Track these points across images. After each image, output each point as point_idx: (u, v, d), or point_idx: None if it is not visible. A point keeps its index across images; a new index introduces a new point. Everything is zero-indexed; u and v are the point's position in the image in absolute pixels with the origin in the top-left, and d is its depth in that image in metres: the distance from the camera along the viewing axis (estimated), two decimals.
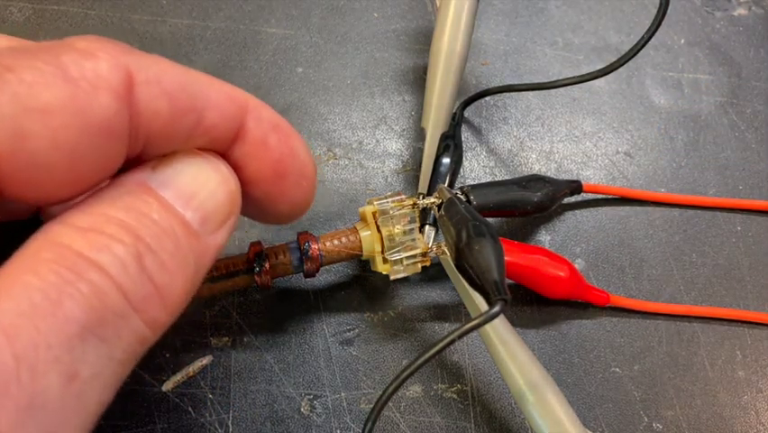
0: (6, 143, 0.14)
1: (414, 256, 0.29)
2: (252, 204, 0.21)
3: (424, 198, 0.29)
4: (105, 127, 0.15)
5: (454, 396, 0.30)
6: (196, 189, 0.18)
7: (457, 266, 0.25)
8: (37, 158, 0.14)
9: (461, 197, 0.30)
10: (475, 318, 0.21)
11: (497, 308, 0.21)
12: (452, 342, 0.21)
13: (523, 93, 0.39)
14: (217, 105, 0.18)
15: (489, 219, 0.27)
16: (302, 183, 0.22)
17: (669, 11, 0.32)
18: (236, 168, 0.20)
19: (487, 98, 0.38)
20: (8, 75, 0.14)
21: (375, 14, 0.41)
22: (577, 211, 0.36)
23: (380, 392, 0.22)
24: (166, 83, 0.17)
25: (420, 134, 0.36)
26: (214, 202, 0.18)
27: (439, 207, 0.28)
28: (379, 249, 0.28)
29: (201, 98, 0.18)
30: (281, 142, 0.20)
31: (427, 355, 0.21)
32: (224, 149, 0.19)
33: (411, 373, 0.22)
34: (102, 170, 0.16)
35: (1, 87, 0.14)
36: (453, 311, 0.32)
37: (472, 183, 0.32)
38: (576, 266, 0.32)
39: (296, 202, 0.22)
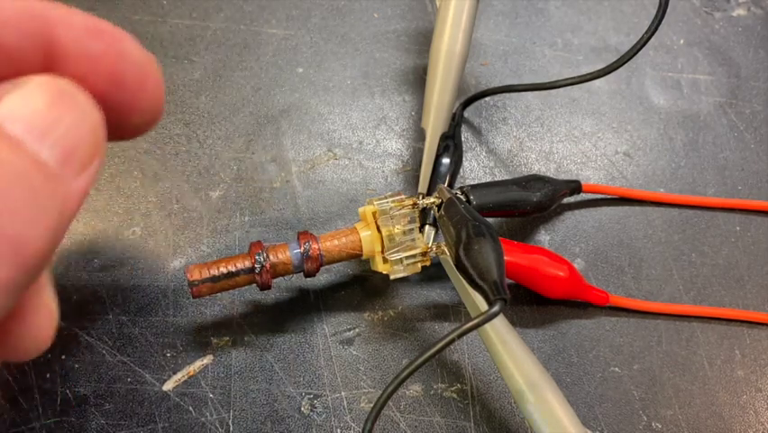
0: None
1: (414, 256, 0.29)
2: None
3: (424, 198, 0.29)
4: None
5: (454, 395, 0.30)
6: (51, 125, 0.15)
7: (457, 266, 0.25)
8: None
9: (461, 197, 0.30)
10: (475, 318, 0.21)
11: (496, 308, 0.21)
12: (452, 341, 0.21)
13: (523, 93, 0.39)
14: (6, 23, 0.15)
15: (489, 219, 0.27)
16: (146, 85, 0.19)
17: (668, 11, 0.32)
18: None
19: (487, 98, 0.38)
20: None
21: (375, 15, 0.41)
22: (576, 211, 0.36)
23: (380, 392, 0.23)
24: None
25: (420, 134, 0.36)
26: (74, 140, 0.15)
27: (439, 207, 0.28)
28: (379, 249, 0.28)
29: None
30: (107, 46, 0.17)
31: (427, 355, 0.22)
32: (37, 71, 0.16)
33: (411, 373, 0.22)
34: None
35: None
36: (453, 311, 0.32)
37: (472, 183, 0.32)
38: (575, 266, 0.32)
39: (145, 108, 0.19)
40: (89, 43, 0.17)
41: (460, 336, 0.21)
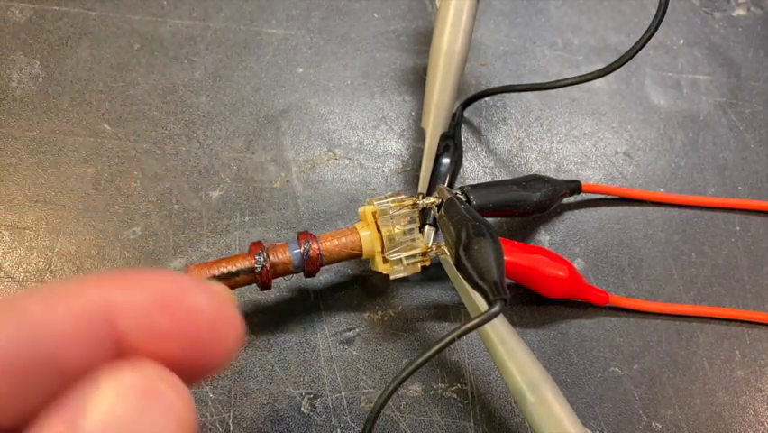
0: None
1: (414, 256, 0.29)
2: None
3: (424, 198, 0.29)
4: None
5: (454, 395, 0.30)
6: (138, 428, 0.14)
7: (457, 266, 0.25)
8: None
9: (461, 197, 0.30)
10: (475, 318, 0.21)
11: (496, 308, 0.21)
12: (452, 341, 0.21)
13: (523, 93, 0.39)
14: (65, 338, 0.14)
15: (489, 219, 0.27)
16: (223, 335, 0.18)
17: (668, 11, 0.32)
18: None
19: (486, 98, 0.38)
20: None
21: (375, 15, 0.41)
22: (576, 211, 0.36)
23: (381, 392, 0.23)
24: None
25: (420, 134, 0.36)
26: None
27: (439, 207, 0.28)
28: (380, 249, 0.28)
29: (50, 354, 0.14)
30: (174, 320, 0.16)
31: (427, 355, 0.22)
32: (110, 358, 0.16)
33: (411, 373, 0.22)
34: None
35: None
36: (453, 311, 0.32)
37: (472, 183, 0.32)
38: (575, 266, 0.32)
39: (225, 353, 0.18)
40: (156, 322, 0.16)
41: (460, 335, 0.21)
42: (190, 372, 0.17)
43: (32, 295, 0.14)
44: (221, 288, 0.18)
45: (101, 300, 0.15)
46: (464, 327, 0.21)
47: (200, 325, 0.17)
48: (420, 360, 0.22)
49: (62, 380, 0.14)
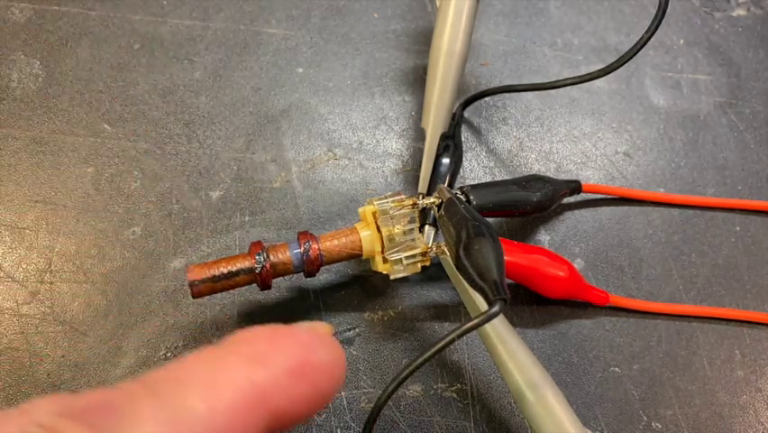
0: None
1: (414, 256, 0.29)
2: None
3: (424, 198, 0.29)
4: None
5: (454, 395, 0.30)
6: None
7: (457, 266, 0.25)
8: None
9: (461, 197, 0.30)
10: (475, 318, 0.21)
11: (496, 308, 0.21)
12: (452, 341, 0.21)
13: (523, 93, 0.39)
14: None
15: (489, 219, 0.27)
16: (339, 375, 0.19)
17: (668, 11, 0.32)
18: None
19: (487, 98, 0.38)
20: None
21: (375, 15, 0.41)
22: (576, 211, 0.36)
23: (381, 391, 0.23)
24: None
25: (420, 134, 0.36)
26: None
27: (439, 207, 0.28)
28: (380, 249, 0.28)
29: None
30: (310, 385, 0.17)
31: (427, 355, 0.21)
32: None
33: (411, 373, 0.22)
34: None
35: None
36: (453, 311, 0.32)
37: (472, 183, 0.32)
38: (575, 266, 0.32)
39: (335, 390, 0.19)
40: (294, 389, 0.17)
41: (460, 335, 0.21)
42: (305, 413, 0.18)
43: (188, 389, 0.15)
44: (325, 328, 0.20)
45: (249, 385, 0.16)
46: (464, 327, 0.21)
47: (323, 377, 0.18)
48: (420, 360, 0.22)
49: None
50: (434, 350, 0.21)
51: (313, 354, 0.17)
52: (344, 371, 0.19)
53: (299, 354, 0.17)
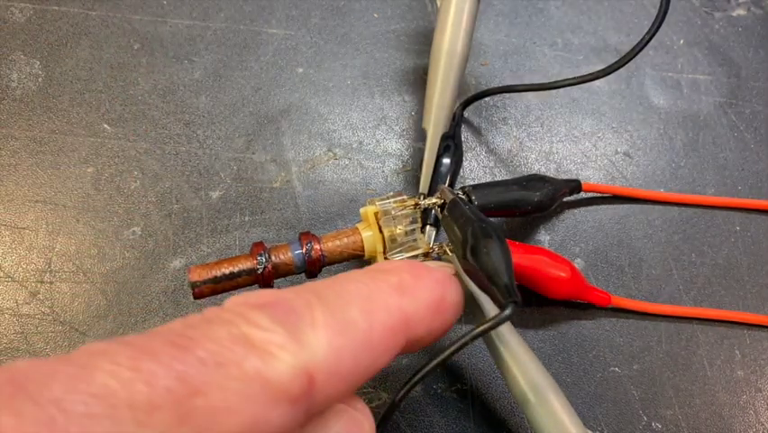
0: None
1: (416, 257, 0.29)
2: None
3: (425, 198, 0.29)
4: None
5: (454, 396, 0.30)
6: None
7: (464, 268, 0.25)
8: None
9: (463, 197, 0.30)
10: (487, 321, 0.21)
11: (508, 311, 0.21)
12: (465, 345, 0.21)
13: (523, 93, 0.39)
14: (383, 351, 0.17)
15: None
16: (454, 313, 0.21)
17: (668, 11, 0.32)
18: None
19: (487, 98, 0.38)
20: (197, 400, 0.13)
21: (375, 15, 0.41)
22: (576, 211, 0.36)
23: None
24: (343, 370, 0.16)
25: (420, 135, 0.36)
26: None
27: (441, 207, 0.28)
28: (381, 249, 0.28)
29: (372, 358, 0.17)
30: (443, 319, 0.20)
31: (440, 359, 0.21)
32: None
33: (423, 377, 0.21)
34: None
35: (185, 416, 0.13)
36: None
37: (472, 183, 0.32)
38: (576, 266, 0.32)
39: (448, 328, 0.21)
40: (432, 323, 0.19)
41: (473, 339, 0.21)
42: (431, 341, 0.20)
43: (349, 304, 0.17)
44: (452, 268, 0.22)
45: (398, 311, 0.18)
46: (477, 331, 0.21)
47: (452, 312, 0.20)
48: (434, 363, 0.21)
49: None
50: (448, 352, 0.21)
51: (447, 292, 0.20)
52: (463, 308, 0.22)
53: (438, 292, 0.20)
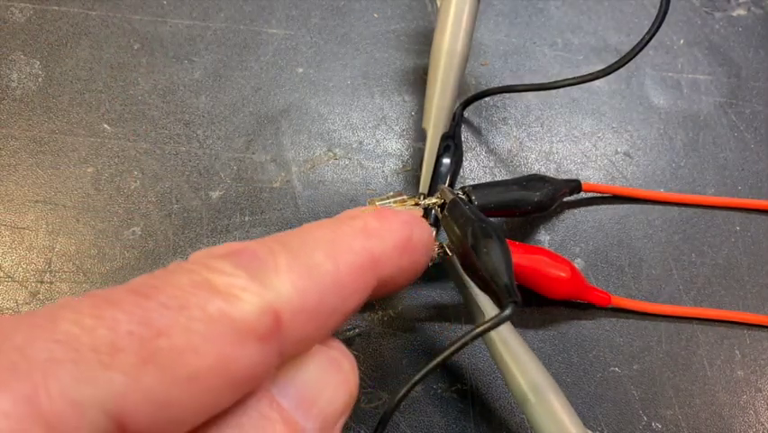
0: (147, 415, 0.13)
1: None
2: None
3: (425, 198, 0.29)
4: (249, 376, 0.15)
5: (454, 396, 0.30)
6: (317, 395, 0.17)
7: (464, 268, 0.25)
8: (175, 420, 0.14)
9: (463, 197, 0.30)
10: (487, 321, 0.21)
11: (508, 311, 0.21)
12: (465, 345, 0.21)
13: (523, 93, 0.39)
14: (353, 291, 0.17)
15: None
16: (424, 263, 0.21)
17: (668, 11, 0.32)
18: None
19: (487, 98, 0.38)
20: (160, 342, 0.13)
21: (375, 15, 0.41)
22: (576, 211, 0.36)
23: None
24: (310, 308, 0.16)
25: (420, 135, 0.36)
26: (334, 407, 0.17)
27: (441, 207, 0.28)
28: None
29: (341, 298, 0.17)
30: (412, 260, 0.20)
31: (440, 358, 0.21)
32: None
33: (423, 377, 0.22)
34: (234, 401, 0.15)
35: (149, 357, 0.13)
36: (453, 311, 0.32)
37: (472, 183, 0.32)
38: (576, 266, 0.32)
39: (413, 277, 0.22)
40: (400, 262, 0.20)
41: (473, 338, 0.21)
42: (404, 282, 0.21)
43: (314, 249, 0.17)
44: (420, 211, 0.23)
45: (365, 252, 0.18)
46: (477, 331, 0.21)
47: (421, 252, 0.21)
48: (433, 363, 0.21)
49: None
50: (448, 353, 0.21)
51: (414, 231, 0.20)
52: (433, 248, 0.22)
53: (406, 231, 0.20)
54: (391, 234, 0.19)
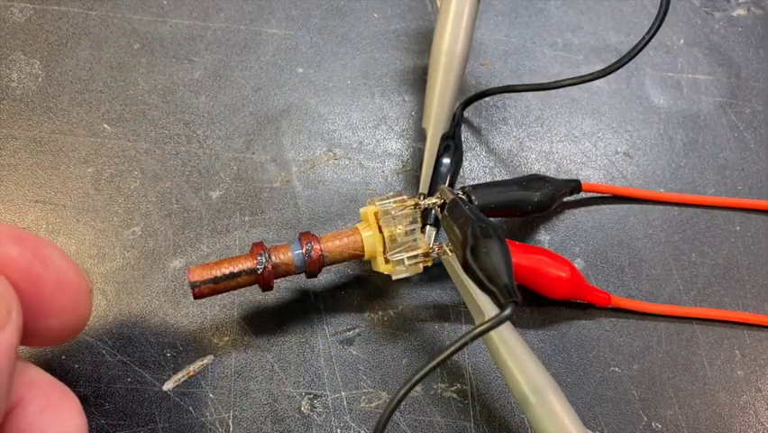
0: None
1: (416, 256, 0.29)
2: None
3: (425, 198, 0.29)
4: None
5: (454, 395, 0.30)
6: None
7: (464, 268, 0.25)
8: None
9: (463, 197, 0.30)
10: (487, 321, 0.21)
11: (508, 311, 0.21)
12: (465, 344, 0.21)
13: (523, 93, 0.39)
14: None
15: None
16: (65, 292, 0.20)
17: (668, 12, 0.32)
18: None
19: (487, 98, 0.38)
20: None
21: (375, 15, 0.41)
22: (576, 211, 0.36)
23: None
24: None
25: (420, 135, 0.36)
26: None
27: (441, 207, 0.28)
28: (381, 249, 0.28)
29: None
30: (22, 251, 0.19)
31: (440, 358, 0.21)
32: None
33: (423, 377, 0.22)
34: None
35: None
36: (453, 311, 0.32)
37: (472, 183, 0.32)
38: (576, 266, 0.32)
39: (62, 312, 0.21)
40: (7, 248, 0.19)
41: (473, 339, 0.21)
42: (29, 317, 0.19)
43: None
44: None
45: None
46: (477, 331, 0.21)
47: (42, 267, 0.20)
48: (433, 363, 0.21)
49: None
50: (448, 352, 0.21)
51: (43, 246, 0.20)
52: (77, 289, 0.21)
53: (27, 234, 0.20)
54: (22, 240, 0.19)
